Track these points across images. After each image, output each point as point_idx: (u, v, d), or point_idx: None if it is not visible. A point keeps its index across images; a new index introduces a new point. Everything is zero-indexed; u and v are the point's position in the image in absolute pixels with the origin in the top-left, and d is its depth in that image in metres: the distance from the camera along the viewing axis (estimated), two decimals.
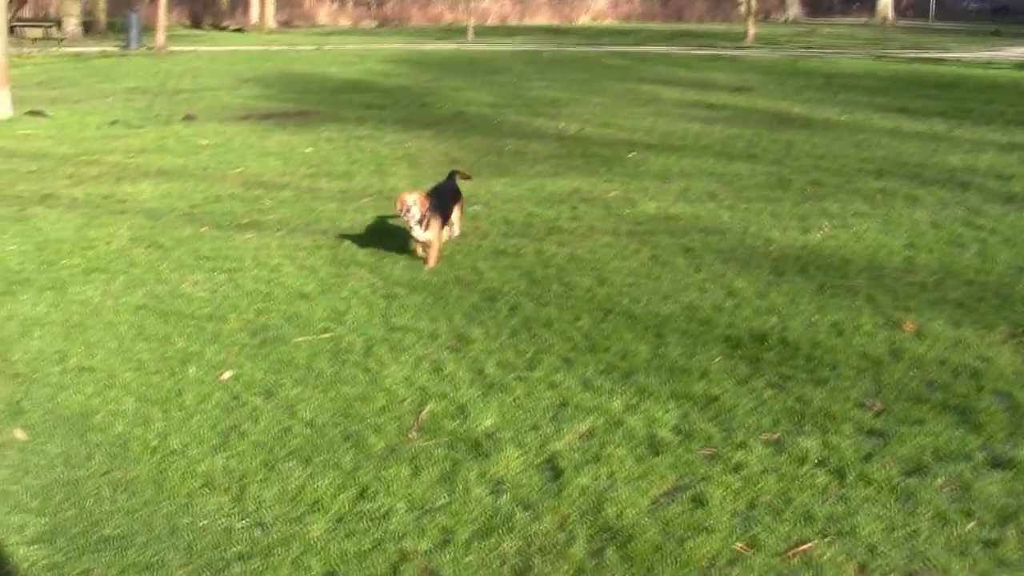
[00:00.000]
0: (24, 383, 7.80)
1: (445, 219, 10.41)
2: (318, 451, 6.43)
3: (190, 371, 7.78)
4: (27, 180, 15.22)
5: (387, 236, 10.96)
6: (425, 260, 10.14)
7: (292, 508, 5.84)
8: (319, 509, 5.79)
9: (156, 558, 5.50)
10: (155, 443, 6.75)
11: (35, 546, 5.70)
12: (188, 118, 20.66)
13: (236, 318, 8.80)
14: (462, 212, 11.03)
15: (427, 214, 9.86)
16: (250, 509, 5.87)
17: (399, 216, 9.98)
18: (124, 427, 7.01)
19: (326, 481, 6.05)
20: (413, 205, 9.76)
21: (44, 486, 6.38)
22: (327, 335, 8.33)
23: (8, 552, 5.65)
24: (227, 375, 7.66)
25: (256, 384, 7.49)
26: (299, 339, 8.27)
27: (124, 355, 8.17)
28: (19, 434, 7.06)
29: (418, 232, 9.99)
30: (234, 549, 5.51)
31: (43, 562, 5.54)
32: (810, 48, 39.95)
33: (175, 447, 6.68)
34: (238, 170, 15.31)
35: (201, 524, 5.79)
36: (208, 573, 5.32)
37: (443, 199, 10.42)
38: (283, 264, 10.20)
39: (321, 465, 6.25)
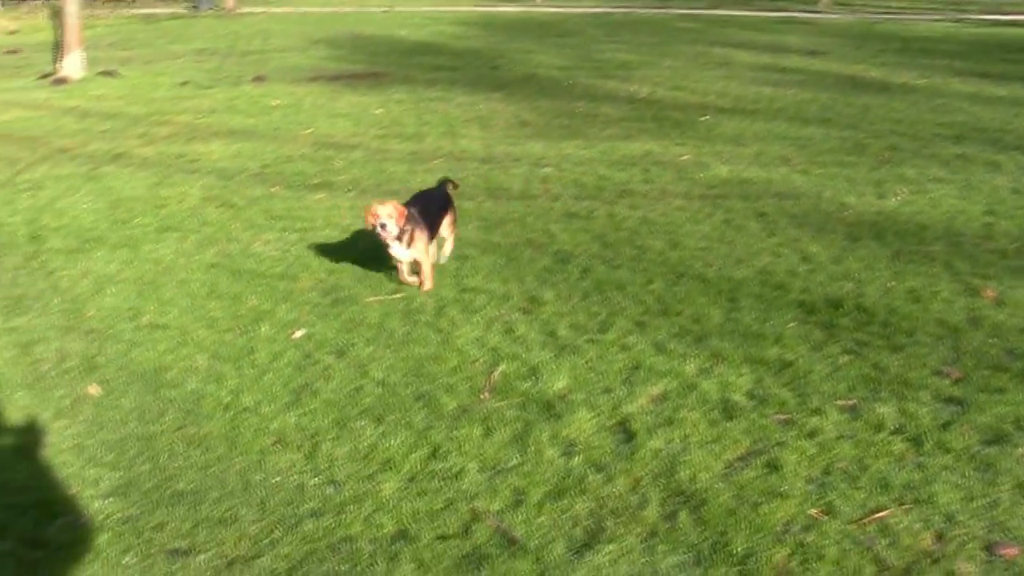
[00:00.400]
0: (98, 339, 7.88)
1: (432, 232, 8.74)
2: (390, 410, 6.45)
3: (262, 329, 7.82)
4: (100, 139, 15.37)
5: (459, 198, 10.90)
6: (420, 283, 8.62)
7: (364, 466, 5.86)
8: (391, 468, 5.81)
9: (229, 513, 5.54)
10: (228, 400, 6.80)
11: (110, 499, 5.77)
12: (258, 79, 20.73)
13: (308, 277, 8.83)
14: (455, 226, 9.27)
15: (406, 227, 8.36)
16: (322, 467, 5.90)
17: (373, 232, 8.40)
18: (197, 384, 7.06)
19: (398, 440, 6.07)
20: (388, 219, 8.23)
21: (118, 441, 6.44)
22: (399, 295, 8.33)
23: (84, 505, 5.72)
24: (299, 334, 7.68)
25: (328, 343, 7.51)
26: (371, 299, 8.29)
27: (197, 313, 8.23)
28: (93, 390, 7.14)
29: (398, 251, 8.47)
30: (307, 506, 5.54)
31: (118, 515, 5.61)
32: (887, 11, 39.32)
33: (247, 404, 6.73)
34: (308, 131, 15.35)
35: (273, 481, 5.83)
36: (281, 529, 5.35)
37: (428, 208, 8.76)
38: (354, 224, 10.20)
39: (393, 424, 6.27)
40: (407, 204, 8.57)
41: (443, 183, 9.48)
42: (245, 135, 15.20)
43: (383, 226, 8.23)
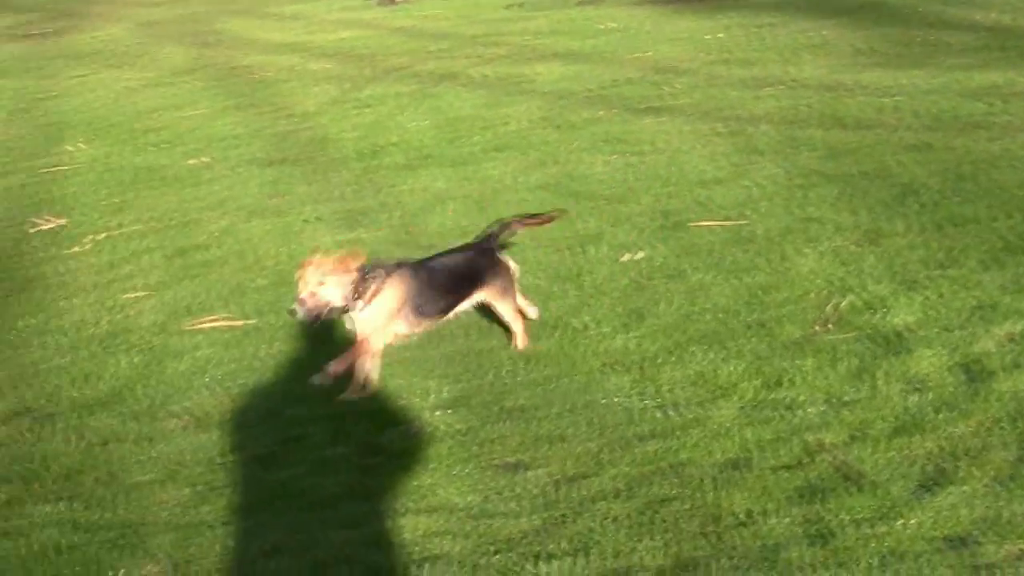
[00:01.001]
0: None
1: (437, 310, 6.34)
2: (725, 337, 6.39)
3: (596, 251, 7.87)
4: (431, 59, 15.80)
5: (797, 126, 10.63)
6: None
7: (698, 392, 5.85)
8: (726, 395, 5.77)
9: (562, 431, 5.65)
10: (561, 319, 6.88)
11: (449, 411, 5.96)
12: (589, 1, 20.72)
13: (641, 201, 8.80)
14: (507, 299, 6.52)
15: (366, 280, 5.96)
16: (656, 390, 5.93)
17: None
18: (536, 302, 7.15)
19: (733, 367, 6.02)
20: (314, 292, 5.89)
21: (452, 354, 6.64)
22: (734, 222, 8.20)
23: (417, 415, 5.93)
24: (637, 256, 7.65)
25: (662, 267, 7.50)
26: (705, 224, 8.19)
27: (531, 233, 8.32)
28: None
29: (352, 312, 6.05)
30: (639, 428, 5.57)
31: (457, 426, 5.79)
32: None
33: (581, 325, 6.79)
34: (640, 54, 15.24)
35: (606, 402, 5.89)
36: (613, 450, 5.41)
37: (441, 274, 6.38)
38: (688, 149, 10.09)
39: (728, 351, 6.22)
40: (408, 265, 6.32)
41: (491, 235, 6.66)
42: (576, 57, 15.25)
43: (292, 313, 5.98)
